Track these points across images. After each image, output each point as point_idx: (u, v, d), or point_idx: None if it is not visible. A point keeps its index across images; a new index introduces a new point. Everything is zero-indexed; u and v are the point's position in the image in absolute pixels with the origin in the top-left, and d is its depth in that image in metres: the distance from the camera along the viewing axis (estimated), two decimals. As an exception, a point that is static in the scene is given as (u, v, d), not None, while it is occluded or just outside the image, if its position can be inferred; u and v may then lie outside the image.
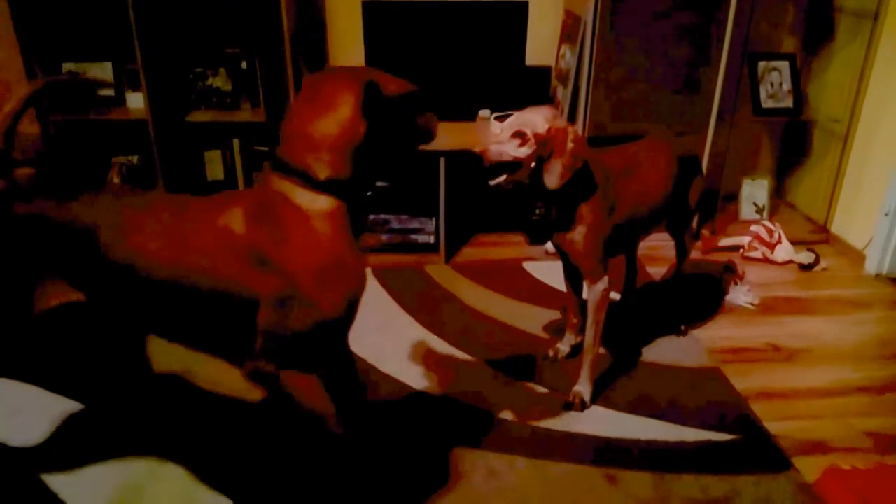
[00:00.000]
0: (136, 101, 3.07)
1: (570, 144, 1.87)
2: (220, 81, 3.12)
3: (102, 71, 3.12)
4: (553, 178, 1.89)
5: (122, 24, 2.83)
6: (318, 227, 1.38)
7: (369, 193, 1.43)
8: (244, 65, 3.11)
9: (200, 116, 3.12)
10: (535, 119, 1.89)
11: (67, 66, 3.08)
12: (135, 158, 3.21)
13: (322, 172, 1.38)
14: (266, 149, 3.19)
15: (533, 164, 1.90)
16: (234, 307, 1.40)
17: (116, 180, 3.14)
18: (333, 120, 1.39)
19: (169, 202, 1.49)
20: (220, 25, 3.09)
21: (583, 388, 2.15)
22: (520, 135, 1.88)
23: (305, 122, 1.40)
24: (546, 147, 1.88)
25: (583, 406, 2.13)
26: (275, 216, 1.38)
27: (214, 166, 3.26)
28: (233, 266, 1.37)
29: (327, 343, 1.48)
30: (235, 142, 3.22)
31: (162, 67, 3.00)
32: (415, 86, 1.49)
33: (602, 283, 2.06)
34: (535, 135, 1.87)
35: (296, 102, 1.44)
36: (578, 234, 2.00)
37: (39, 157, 3.16)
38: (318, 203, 1.38)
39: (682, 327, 2.54)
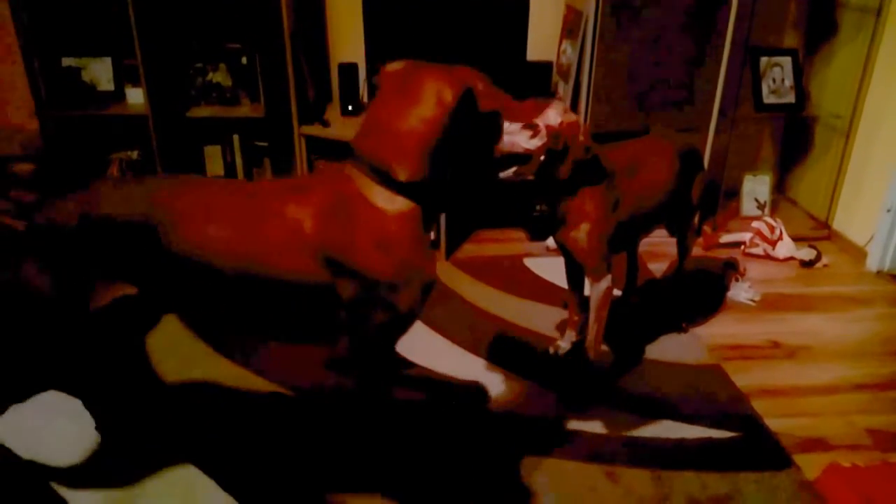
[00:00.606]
0: (135, 97, 3.06)
1: (580, 138, 1.89)
2: (220, 77, 3.11)
3: (102, 66, 3.11)
4: (563, 168, 1.91)
5: (121, 19, 2.82)
6: (394, 230, 1.36)
7: (444, 196, 1.41)
8: (244, 60, 3.09)
9: (200, 112, 3.11)
10: (548, 111, 1.88)
11: (67, 62, 3.07)
12: (134, 154, 3.20)
13: (403, 174, 1.36)
14: (266, 144, 3.18)
15: (542, 158, 1.89)
16: (302, 296, 1.39)
17: (116, 176, 3.13)
18: (423, 118, 1.36)
19: (234, 188, 1.46)
20: (220, 20, 3.07)
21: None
22: (531, 126, 1.87)
23: (393, 117, 1.37)
24: (559, 140, 1.87)
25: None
26: (352, 216, 1.35)
27: (214, 162, 3.25)
28: (301, 260, 1.35)
29: (400, 336, 1.50)
30: (235, 137, 3.21)
31: (161, 63, 2.99)
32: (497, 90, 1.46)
33: (605, 282, 2.06)
34: (547, 127, 1.86)
35: (384, 93, 1.41)
36: (582, 231, 2.00)
37: (39, 152, 3.16)
38: (395, 204, 1.37)
39: (683, 325, 2.54)
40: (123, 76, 3.10)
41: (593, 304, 2.09)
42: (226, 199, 1.41)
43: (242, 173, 3.26)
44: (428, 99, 1.36)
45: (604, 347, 2.27)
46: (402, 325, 1.46)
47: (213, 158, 3.25)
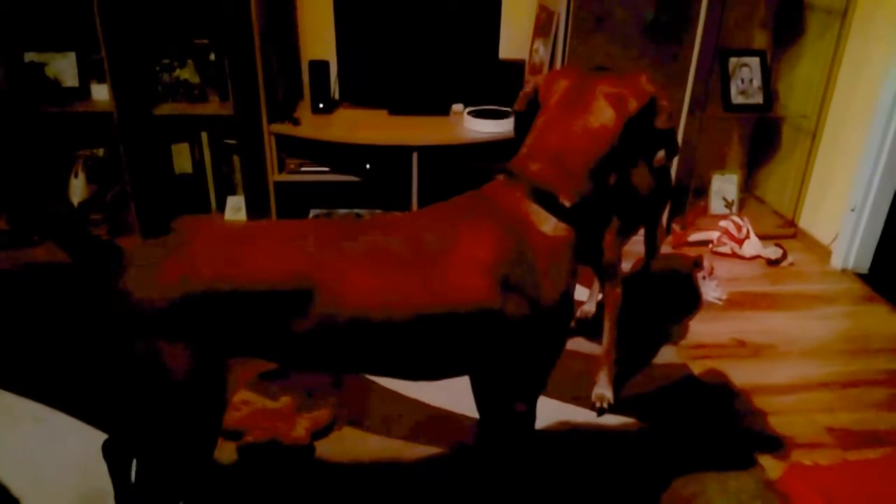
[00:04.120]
0: (100, 93, 3.00)
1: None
2: (187, 73, 3.06)
3: (66, 61, 3.04)
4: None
5: (85, 14, 2.76)
6: (558, 258, 1.29)
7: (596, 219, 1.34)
8: (212, 56, 3.05)
9: (168, 109, 3.06)
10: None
11: (29, 57, 3.00)
12: (100, 151, 3.14)
13: (569, 199, 1.29)
14: (234, 142, 3.15)
15: None
16: (464, 328, 1.27)
17: (81, 174, 3.07)
18: (598, 135, 1.28)
19: (389, 228, 1.28)
20: (187, 16, 3.02)
21: (605, 390, 2.16)
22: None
23: (565, 137, 1.29)
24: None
25: (610, 408, 2.13)
26: (524, 246, 1.26)
27: (182, 159, 3.21)
28: (483, 294, 1.23)
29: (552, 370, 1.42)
30: (204, 135, 3.16)
31: (127, 58, 2.94)
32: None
33: (619, 285, 2.09)
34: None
35: (553, 111, 1.32)
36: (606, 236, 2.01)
37: None
38: (558, 230, 1.29)
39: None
40: (88, 72, 3.04)
41: (610, 310, 2.11)
42: (385, 241, 1.25)
43: (212, 171, 3.22)
44: (604, 112, 1.28)
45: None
46: (556, 356, 1.39)
47: (181, 156, 3.20)
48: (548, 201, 1.28)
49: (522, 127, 1.41)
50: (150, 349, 1.14)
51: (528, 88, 1.41)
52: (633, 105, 1.29)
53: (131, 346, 1.14)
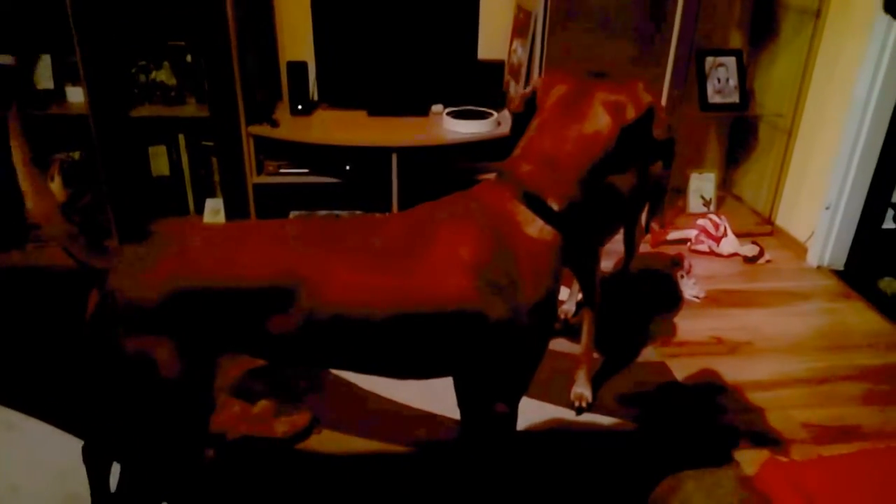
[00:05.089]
0: (76, 96, 2.97)
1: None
2: (163, 75, 3.04)
3: (41, 64, 3.01)
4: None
5: (60, 16, 2.73)
6: (541, 260, 1.28)
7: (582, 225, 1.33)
8: (189, 58, 3.03)
9: (144, 111, 3.04)
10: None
11: (3, 59, 2.96)
12: (76, 154, 3.11)
13: (558, 203, 1.29)
14: (211, 144, 3.13)
15: None
16: (452, 334, 1.28)
17: (58, 177, 3.04)
18: (592, 141, 1.29)
19: (376, 226, 1.31)
20: (163, 17, 2.99)
21: (583, 389, 2.17)
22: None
23: (559, 141, 1.29)
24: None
25: (589, 406, 2.15)
26: (506, 247, 1.26)
27: (159, 162, 3.18)
28: (463, 285, 1.24)
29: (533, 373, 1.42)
30: (181, 137, 3.14)
31: (103, 61, 2.91)
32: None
33: (597, 285, 2.11)
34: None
35: (548, 115, 1.32)
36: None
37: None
38: (544, 233, 1.28)
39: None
40: (64, 74, 3.01)
41: (591, 312, 2.12)
42: (371, 239, 1.27)
43: (189, 174, 3.20)
44: (600, 119, 1.29)
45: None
46: (539, 358, 1.40)
47: (159, 158, 3.18)
48: (536, 204, 1.28)
49: (518, 128, 1.41)
50: (139, 347, 1.16)
51: (526, 90, 1.42)
52: (630, 113, 1.30)
53: (121, 344, 1.16)
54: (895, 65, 2.74)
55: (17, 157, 1.19)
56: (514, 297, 1.27)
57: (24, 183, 1.18)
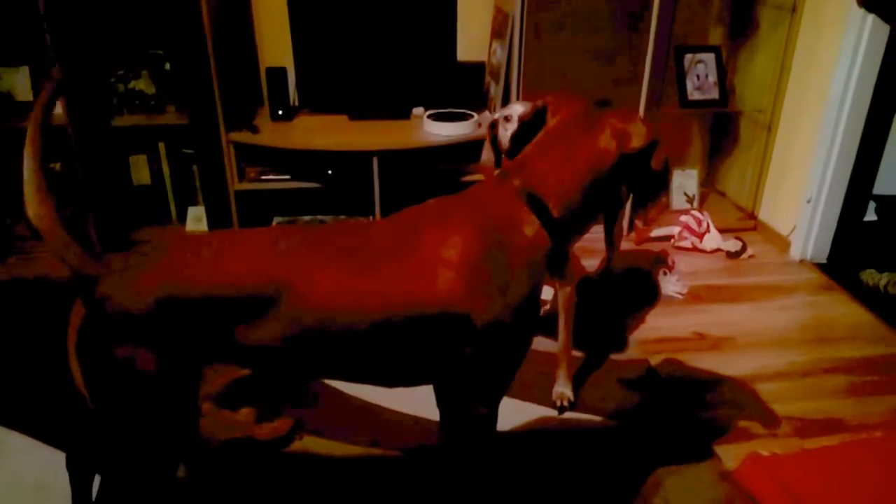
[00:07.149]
0: (55, 107, 2.96)
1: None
2: (143, 84, 3.04)
3: (19, 75, 3.01)
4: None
5: (37, 27, 2.72)
6: (532, 260, 1.32)
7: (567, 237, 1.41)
8: (167, 66, 3.03)
9: (124, 121, 3.03)
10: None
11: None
12: (57, 166, 3.10)
13: (557, 210, 1.33)
14: (192, 151, 3.12)
15: None
16: (432, 330, 1.28)
17: (38, 188, 3.03)
18: (602, 163, 1.34)
19: (364, 229, 1.35)
20: (140, 26, 2.99)
21: (564, 388, 2.18)
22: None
23: (572, 154, 1.35)
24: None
25: (571, 405, 2.15)
26: (499, 244, 1.29)
27: (140, 171, 3.18)
28: (450, 293, 1.25)
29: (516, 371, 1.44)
30: (161, 145, 3.14)
31: (81, 71, 2.90)
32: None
33: (571, 283, 2.12)
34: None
35: (564, 127, 1.39)
36: None
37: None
38: (539, 236, 1.32)
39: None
40: (42, 86, 3.00)
41: (566, 308, 2.14)
42: (358, 243, 1.30)
43: (171, 182, 3.19)
44: (609, 141, 1.35)
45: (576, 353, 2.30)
46: (521, 358, 1.41)
47: (139, 167, 3.17)
48: (538, 206, 1.32)
49: (521, 136, 1.47)
50: (128, 354, 1.17)
51: (538, 101, 1.48)
52: (636, 143, 1.36)
53: (110, 350, 1.16)
54: (870, 58, 2.76)
55: (30, 163, 1.20)
56: (502, 297, 1.28)
57: (30, 189, 1.18)
